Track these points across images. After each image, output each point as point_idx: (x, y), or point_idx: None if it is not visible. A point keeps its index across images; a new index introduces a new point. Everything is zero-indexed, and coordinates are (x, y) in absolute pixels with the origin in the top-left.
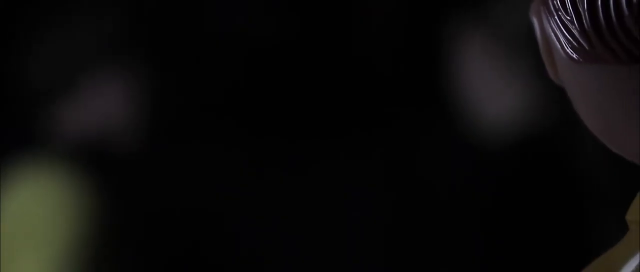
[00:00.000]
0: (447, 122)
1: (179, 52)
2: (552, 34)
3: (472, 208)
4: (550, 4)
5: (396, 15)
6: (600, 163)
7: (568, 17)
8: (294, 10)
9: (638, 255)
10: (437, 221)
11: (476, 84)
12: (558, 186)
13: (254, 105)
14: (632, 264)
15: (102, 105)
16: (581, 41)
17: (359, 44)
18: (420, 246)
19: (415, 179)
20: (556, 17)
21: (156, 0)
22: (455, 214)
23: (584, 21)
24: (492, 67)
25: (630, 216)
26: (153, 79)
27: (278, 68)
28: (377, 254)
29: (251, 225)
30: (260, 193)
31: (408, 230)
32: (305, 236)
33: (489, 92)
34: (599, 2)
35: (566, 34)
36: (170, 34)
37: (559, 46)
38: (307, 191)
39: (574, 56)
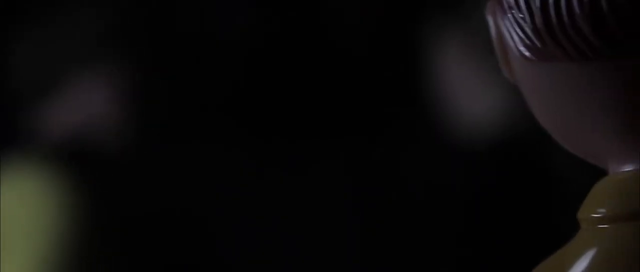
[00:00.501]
0: (428, 124)
1: (166, 50)
2: (506, 32)
3: (454, 209)
4: (504, 2)
5: (376, 17)
6: (582, 164)
7: (521, 15)
8: (275, 11)
9: (588, 254)
10: (418, 222)
11: (457, 86)
12: (539, 187)
13: (241, 105)
14: (581, 263)
15: (88, 104)
16: (533, 39)
17: (339, 46)
18: (401, 247)
19: (396, 181)
20: (509, 15)
21: None
22: (437, 215)
23: (536, 19)
24: (472, 68)
25: (582, 215)
26: (140, 78)
27: (262, 69)
28: (357, 254)
29: (236, 226)
30: (245, 194)
31: (389, 232)
32: (289, 238)
33: (470, 94)
34: (551, 0)
35: (519, 32)
36: (159, 32)
37: (512, 44)
38: (289, 193)
39: (527, 54)
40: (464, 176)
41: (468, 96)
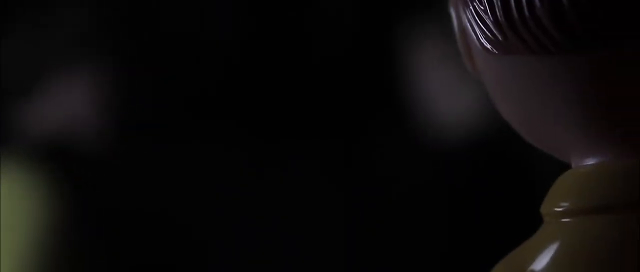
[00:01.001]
0: (405, 123)
1: (151, 49)
2: (468, 25)
3: (433, 207)
4: None
5: (353, 17)
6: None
7: (482, 7)
8: (257, 12)
9: (551, 248)
10: (396, 221)
11: (435, 85)
12: (518, 185)
13: (223, 105)
14: (544, 257)
15: (72, 102)
16: (495, 32)
17: (315, 45)
18: (379, 247)
19: (373, 181)
20: (471, 7)
21: None
22: (417, 213)
23: (497, 11)
24: (448, 67)
25: (544, 209)
26: (122, 77)
27: (243, 70)
28: (337, 253)
29: (220, 225)
30: (229, 193)
31: (367, 231)
32: (272, 236)
33: (446, 93)
34: None
35: (481, 24)
36: (140, 31)
37: (474, 37)
38: (270, 191)
39: (488, 47)
40: (443, 174)
41: (446, 95)
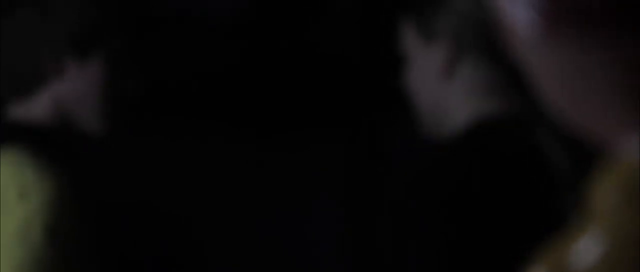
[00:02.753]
0: (407, 117)
1: (145, 41)
2: (514, 11)
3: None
4: None
5: (357, 12)
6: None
7: None
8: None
9: (597, 243)
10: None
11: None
12: (516, 177)
13: (221, 98)
14: (589, 252)
15: (65, 94)
16: (544, 17)
17: (318, 38)
18: (379, 242)
19: (375, 174)
20: None
21: None
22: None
23: None
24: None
25: (592, 203)
26: (112, 66)
27: (239, 61)
28: (337, 249)
29: (214, 214)
30: (219, 186)
31: (366, 226)
32: (257, 231)
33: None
34: None
35: (528, 10)
36: (131, 22)
37: (521, 23)
38: (265, 184)
39: (538, 32)
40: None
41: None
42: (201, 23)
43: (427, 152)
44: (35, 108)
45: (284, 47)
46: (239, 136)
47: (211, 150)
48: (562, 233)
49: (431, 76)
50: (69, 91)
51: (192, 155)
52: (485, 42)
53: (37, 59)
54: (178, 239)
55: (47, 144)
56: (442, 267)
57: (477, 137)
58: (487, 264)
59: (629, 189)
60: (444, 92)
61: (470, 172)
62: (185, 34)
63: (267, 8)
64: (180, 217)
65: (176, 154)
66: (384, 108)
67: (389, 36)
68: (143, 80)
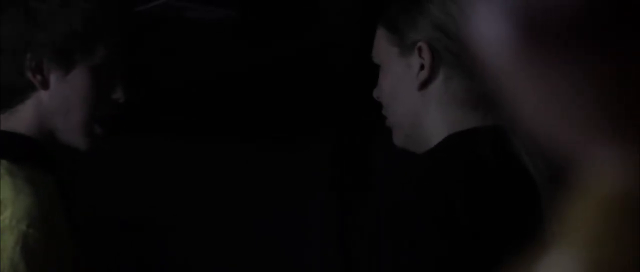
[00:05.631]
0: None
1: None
2: (488, 25)
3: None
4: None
5: (350, 14)
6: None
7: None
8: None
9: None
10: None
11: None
12: (494, 188)
13: (203, 102)
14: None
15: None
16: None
17: (309, 43)
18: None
19: (366, 176)
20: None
21: None
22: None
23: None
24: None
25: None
26: (96, 76)
27: (229, 65)
28: (329, 251)
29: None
30: (211, 189)
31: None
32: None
33: None
34: None
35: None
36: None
37: (496, 38)
38: (257, 186)
39: (513, 47)
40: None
41: None
42: (192, 27)
43: (407, 162)
44: (19, 118)
45: (275, 52)
46: (230, 139)
47: (201, 153)
48: (535, 246)
49: (407, 87)
50: (54, 102)
51: (183, 157)
52: (462, 53)
53: (21, 69)
54: (171, 247)
55: (30, 154)
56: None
57: (454, 148)
58: (468, 268)
59: (613, 218)
60: (420, 103)
61: (448, 181)
62: (173, 39)
63: (258, 13)
64: (171, 223)
65: (167, 156)
66: (373, 112)
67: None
68: (129, 89)
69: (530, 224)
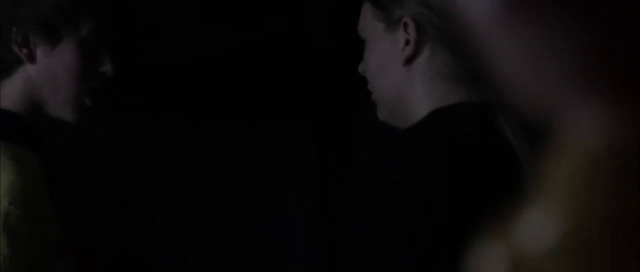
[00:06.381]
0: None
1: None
2: None
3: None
4: None
5: (337, 9)
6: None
7: None
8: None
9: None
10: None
11: None
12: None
13: (184, 88)
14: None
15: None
16: None
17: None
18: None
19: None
20: None
21: None
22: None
23: None
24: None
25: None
26: (84, 51)
27: (210, 52)
28: (312, 234)
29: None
30: (189, 176)
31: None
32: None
33: None
34: None
35: None
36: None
37: (480, 5)
38: (237, 167)
39: (498, 12)
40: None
41: None
42: (174, 10)
43: (391, 138)
44: (6, 93)
45: (253, 39)
46: (209, 125)
47: (183, 140)
48: (515, 203)
49: (392, 62)
50: (41, 76)
51: (162, 144)
52: (447, 28)
53: (7, 43)
54: (149, 232)
55: (15, 131)
56: (409, 253)
57: (438, 123)
58: (451, 245)
59: (591, 173)
60: (405, 78)
61: (432, 157)
62: (157, 20)
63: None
64: (150, 209)
65: (146, 144)
66: (353, 95)
67: (355, 23)
68: (115, 65)
69: (513, 198)
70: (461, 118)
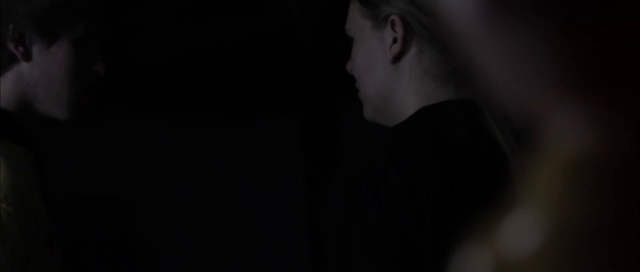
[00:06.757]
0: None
1: (103, 25)
2: None
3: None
4: None
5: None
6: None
7: None
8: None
9: (534, 227)
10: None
11: None
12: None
13: (173, 81)
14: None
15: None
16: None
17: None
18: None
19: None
20: None
21: None
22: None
23: None
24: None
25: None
26: (78, 50)
27: (194, 42)
28: (297, 227)
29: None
30: (179, 167)
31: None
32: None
33: None
34: None
35: None
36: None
37: (464, 5)
38: (226, 160)
39: (481, 12)
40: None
41: None
42: (163, 7)
43: (378, 135)
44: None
45: (242, 30)
46: (197, 120)
47: (172, 130)
48: (499, 207)
49: (380, 60)
50: (36, 74)
51: (150, 140)
52: (435, 26)
53: (3, 40)
54: (139, 226)
55: (6, 129)
56: (392, 249)
57: (425, 120)
58: (436, 241)
59: (573, 178)
60: (392, 76)
61: (419, 154)
62: (144, 17)
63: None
64: (141, 203)
65: (135, 132)
66: (340, 90)
67: (343, 19)
68: (106, 64)
69: (499, 196)
70: (448, 116)
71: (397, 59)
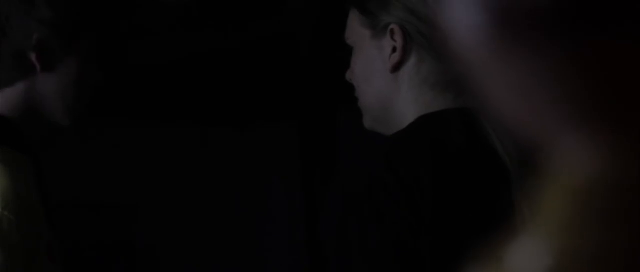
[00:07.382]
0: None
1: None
2: (462, 13)
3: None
4: None
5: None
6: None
7: None
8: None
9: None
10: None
11: None
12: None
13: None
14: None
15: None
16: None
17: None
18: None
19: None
20: None
21: None
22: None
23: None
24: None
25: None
26: (85, 60)
27: (193, 48)
28: (295, 236)
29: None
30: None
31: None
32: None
33: None
34: None
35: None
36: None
37: (470, 26)
38: (222, 168)
39: (487, 35)
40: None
41: None
42: (157, 9)
43: (376, 143)
44: (5, 99)
45: (241, 37)
46: (195, 126)
47: (171, 137)
48: (506, 230)
49: (379, 69)
50: (48, 86)
51: (148, 146)
52: (434, 35)
53: (21, 51)
54: (137, 232)
55: (7, 136)
56: (392, 257)
57: (424, 129)
58: (435, 249)
59: (581, 206)
60: (392, 85)
61: (418, 162)
62: (143, 21)
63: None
64: (139, 209)
65: (133, 138)
66: (339, 97)
67: (342, 27)
68: (114, 74)
69: (499, 206)
70: (447, 124)
71: (396, 68)
